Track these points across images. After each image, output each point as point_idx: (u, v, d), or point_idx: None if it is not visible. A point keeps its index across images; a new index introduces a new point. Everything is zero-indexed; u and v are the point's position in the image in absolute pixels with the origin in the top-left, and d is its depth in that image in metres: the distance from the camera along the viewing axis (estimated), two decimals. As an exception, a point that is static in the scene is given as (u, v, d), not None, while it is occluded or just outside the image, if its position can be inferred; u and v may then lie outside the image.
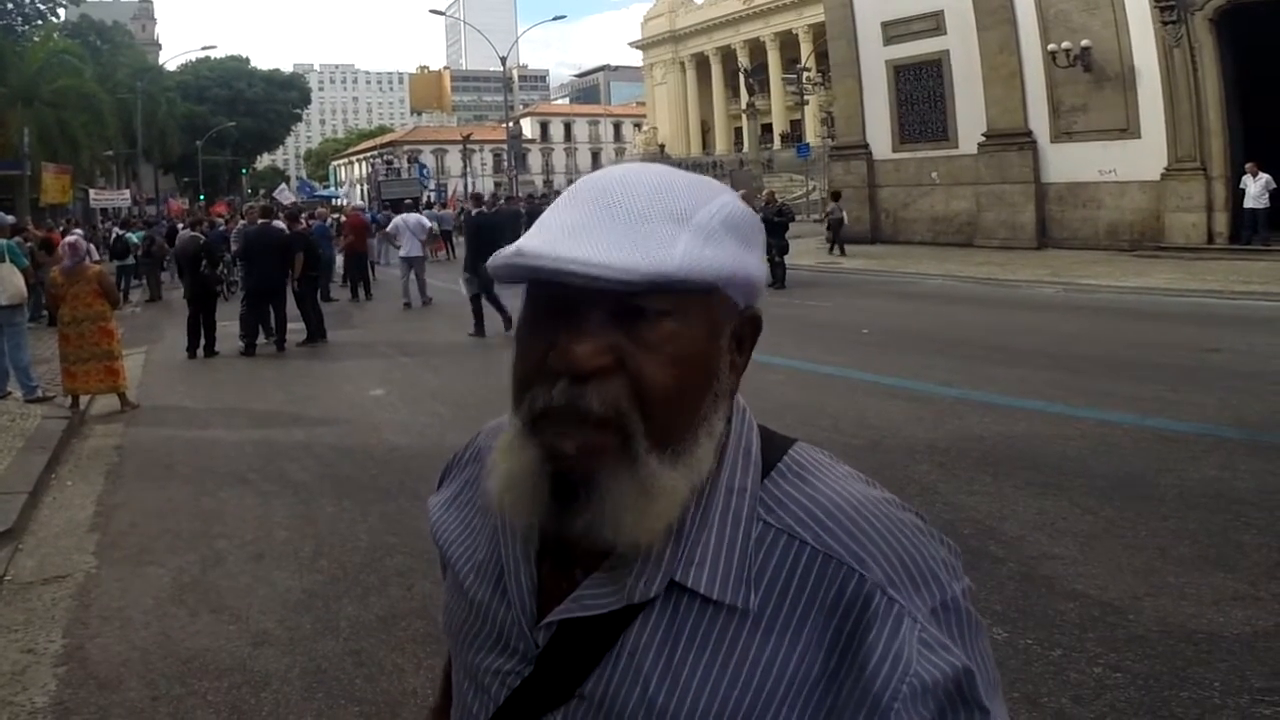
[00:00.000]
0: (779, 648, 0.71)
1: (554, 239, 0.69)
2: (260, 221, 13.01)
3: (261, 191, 68.18)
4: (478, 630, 0.85)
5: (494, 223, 13.88)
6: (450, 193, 47.66)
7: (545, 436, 0.71)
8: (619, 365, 0.69)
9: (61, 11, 43.52)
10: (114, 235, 21.21)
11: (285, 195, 39.43)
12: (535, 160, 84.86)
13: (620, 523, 0.71)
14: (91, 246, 13.29)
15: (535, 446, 0.72)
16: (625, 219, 0.70)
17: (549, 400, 0.71)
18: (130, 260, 20.27)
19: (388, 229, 18.11)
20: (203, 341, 11.86)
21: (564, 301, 0.69)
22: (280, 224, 13.40)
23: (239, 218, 19.29)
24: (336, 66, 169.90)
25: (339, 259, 18.39)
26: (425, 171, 50.28)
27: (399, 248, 16.73)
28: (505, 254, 0.70)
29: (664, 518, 0.71)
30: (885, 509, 0.76)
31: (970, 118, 21.46)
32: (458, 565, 0.89)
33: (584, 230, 0.69)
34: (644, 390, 0.70)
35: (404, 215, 17.86)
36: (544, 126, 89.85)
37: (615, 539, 0.72)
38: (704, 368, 0.73)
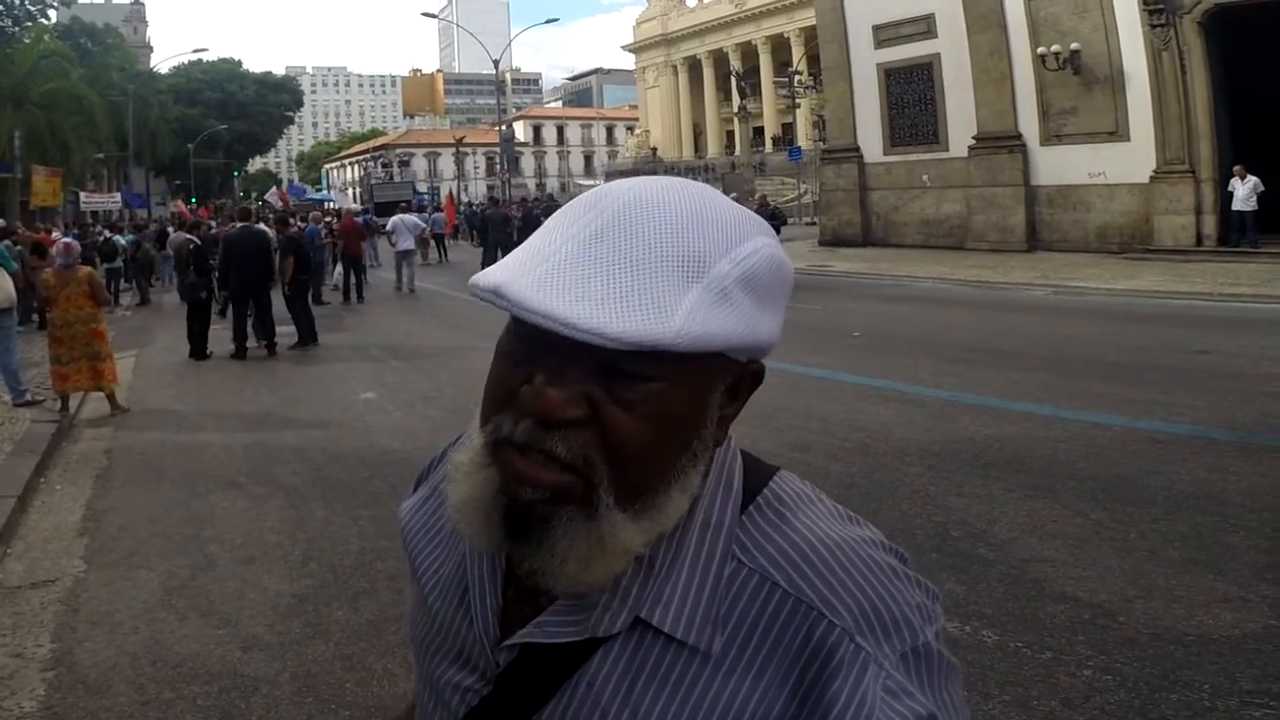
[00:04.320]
0: (739, 689, 0.69)
1: (540, 279, 0.64)
2: (240, 225, 13.04)
3: (254, 194, 68.04)
4: (439, 643, 0.83)
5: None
6: (446, 195, 47.56)
7: (505, 468, 0.69)
8: (593, 416, 0.66)
9: (52, 13, 43.46)
10: (102, 238, 21.12)
11: (275, 198, 39.36)
12: (528, 163, 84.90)
13: (564, 574, 0.69)
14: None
15: (494, 474, 0.70)
16: (627, 265, 0.64)
17: (513, 434, 0.68)
18: (118, 263, 20.18)
19: (386, 227, 20.62)
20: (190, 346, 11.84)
21: (546, 338, 0.64)
22: (262, 227, 13.40)
23: (229, 220, 19.36)
24: (329, 69, 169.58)
25: (338, 267, 18.56)
26: (420, 195, 50.59)
27: (394, 244, 19.32)
28: (484, 285, 0.65)
29: (611, 571, 0.70)
30: (862, 551, 0.74)
31: (961, 121, 21.53)
32: (423, 576, 0.88)
33: (575, 271, 0.64)
34: (615, 445, 0.66)
35: (400, 215, 20.32)
36: (537, 129, 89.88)
37: (557, 588, 0.71)
38: (685, 428, 0.69)
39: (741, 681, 0.70)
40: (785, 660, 0.69)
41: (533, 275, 0.64)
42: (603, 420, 0.66)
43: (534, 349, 0.67)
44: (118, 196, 43.82)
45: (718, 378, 0.71)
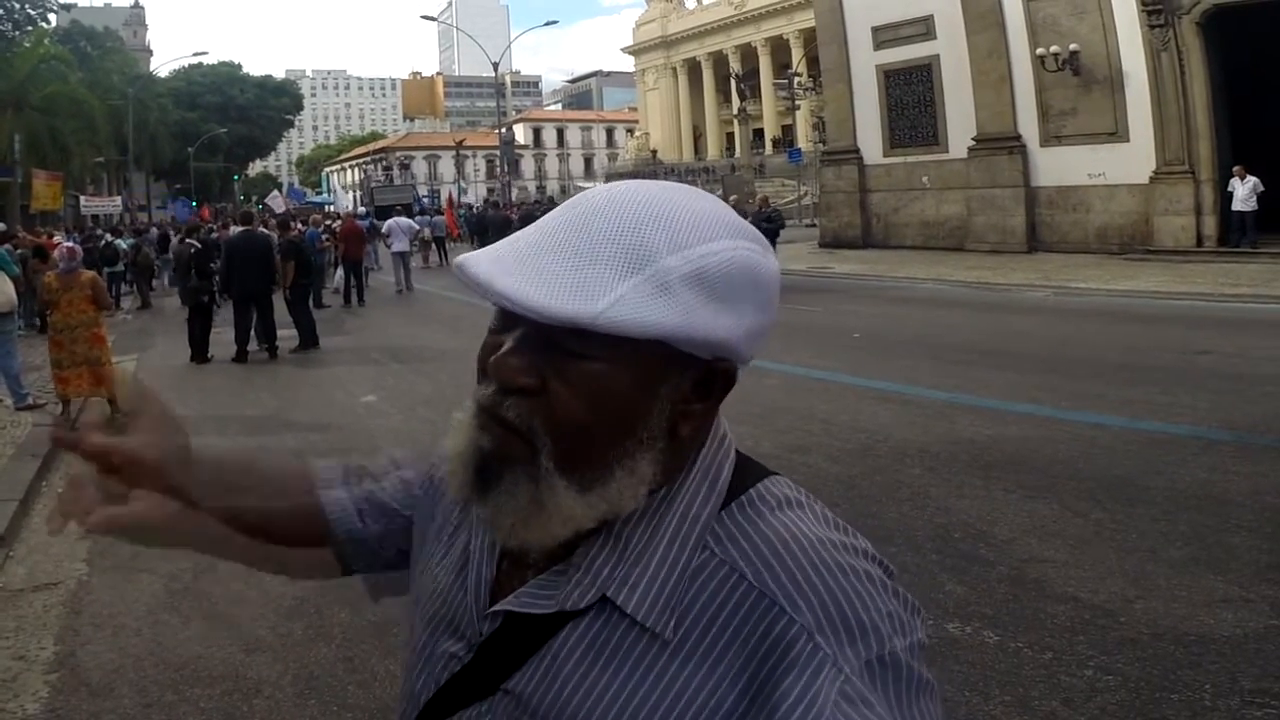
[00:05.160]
0: (693, 678, 0.71)
1: (495, 260, 0.71)
2: (242, 229, 13.10)
3: (255, 199, 68.07)
4: (437, 610, 0.87)
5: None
6: (445, 198, 47.59)
7: (477, 425, 0.76)
8: (541, 387, 0.72)
9: (53, 17, 43.50)
10: (103, 242, 21.13)
11: (278, 202, 39.40)
12: (528, 166, 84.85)
13: (504, 527, 0.75)
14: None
15: (472, 432, 0.77)
16: (574, 252, 0.70)
17: (480, 397, 0.76)
18: (120, 267, 20.20)
19: (383, 230, 21.84)
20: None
21: (514, 313, 0.71)
22: (264, 230, 13.47)
23: (231, 223, 19.47)
24: (329, 72, 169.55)
25: (339, 270, 18.71)
26: (421, 200, 50.61)
27: (390, 246, 20.33)
28: (456, 262, 0.73)
29: (551, 534, 0.74)
30: (839, 554, 0.74)
31: (960, 122, 21.53)
32: (441, 536, 0.92)
33: (529, 255, 0.71)
34: (556, 417, 0.72)
35: (396, 219, 21.76)
36: (537, 132, 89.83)
37: (500, 538, 0.78)
38: (623, 413, 0.72)
39: (696, 670, 0.71)
40: (742, 653, 0.70)
41: (491, 256, 0.72)
42: (548, 392, 0.72)
43: (505, 323, 0.75)
44: (118, 200, 43.87)
45: (667, 370, 0.73)
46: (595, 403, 0.71)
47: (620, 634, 0.74)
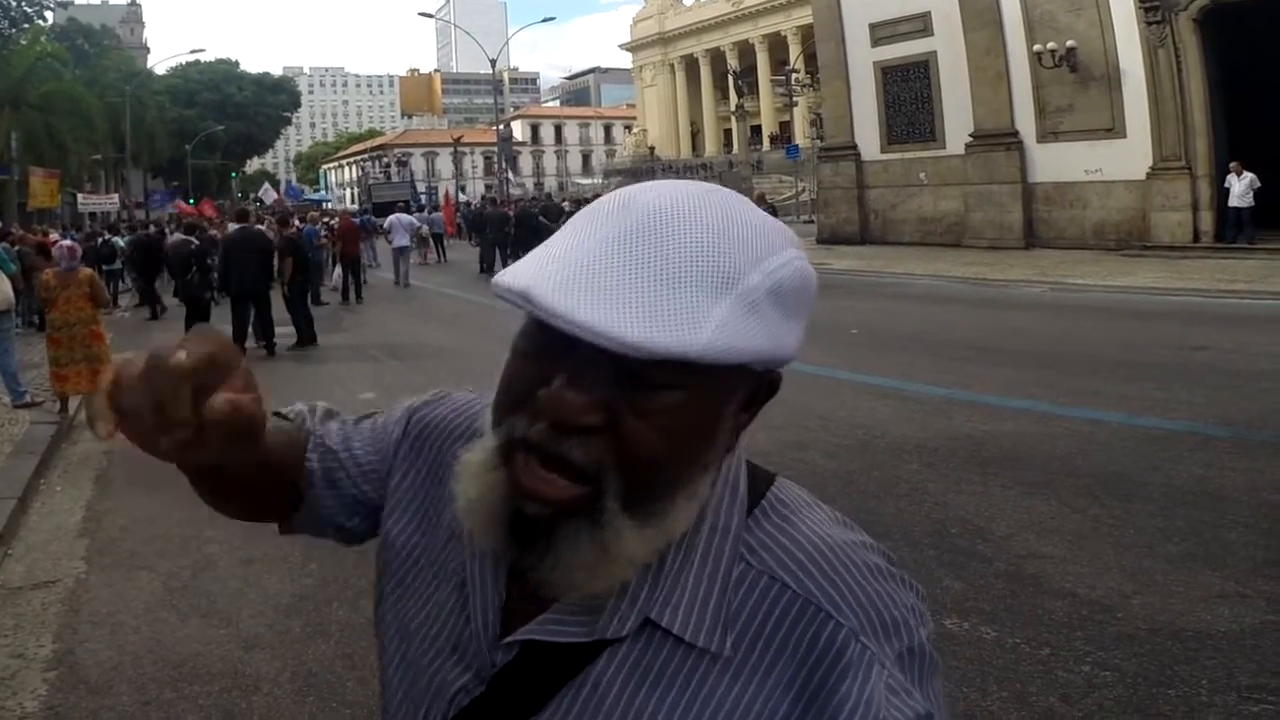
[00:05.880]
0: (745, 691, 0.70)
1: (566, 283, 0.61)
2: (240, 225, 13.10)
3: (252, 196, 68.01)
4: (431, 628, 0.81)
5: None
6: (443, 195, 47.55)
7: (514, 475, 0.68)
8: (609, 424, 0.65)
9: (49, 15, 43.40)
10: (100, 239, 21.09)
11: (269, 194, 39.44)
12: (526, 163, 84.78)
13: (568, 582, 0.69)
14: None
15: (503, 476, 0.69)
16: (657, 273, 0.62)
17: (527, 434, 0.67)
18: (117, 264, 20.16)
19: (384, 225, 22.96)
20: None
21: (568, 341, 0.61)
22: (261, 228, 13.49)
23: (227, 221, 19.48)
24: (326, 69, 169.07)
25: (337, 268, 18.73)
26: (419, 197, 50.51)
27: (391, 241, 21.06)
28: (512, 288, 0.62)
29: (616, 579, 0.69)
30: (863, 555, 0.75)
31: (957, 118, 21.52)
32: (427, 535, 0.86)
33: (603, 277, 0.62)
34: (629, 455, 0.65)
35: (397, 215, 22.29)
36: (534, 129, 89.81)
37: (561, 595, 0.71)
38: (701, 439, 0.69)
39: (749, 683, 0.70)
40: (793, 661, 0.70)
41: (558, 278, 0.62)
42: (619, 428, 0.65)
43: (554, 351, 0.65)
44: (115, 198, 43.84)
45: (736, 389, 0.70)
46: (674, 435, 0.66)
47: (665, 656, 0.71)
